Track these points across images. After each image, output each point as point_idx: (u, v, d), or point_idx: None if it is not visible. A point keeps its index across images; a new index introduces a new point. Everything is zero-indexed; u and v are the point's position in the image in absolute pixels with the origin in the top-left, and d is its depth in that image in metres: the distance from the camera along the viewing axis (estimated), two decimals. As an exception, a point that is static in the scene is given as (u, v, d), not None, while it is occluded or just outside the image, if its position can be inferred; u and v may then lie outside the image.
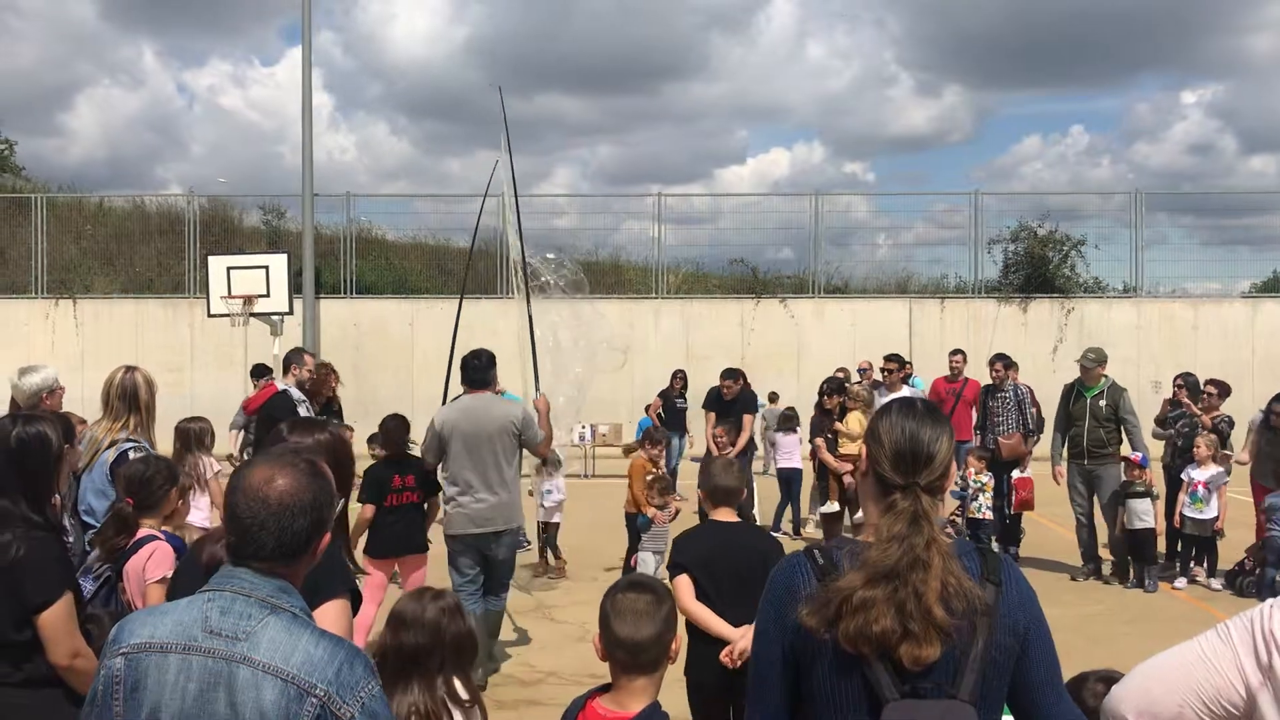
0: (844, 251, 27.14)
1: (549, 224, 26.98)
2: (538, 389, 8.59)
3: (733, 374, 13.33)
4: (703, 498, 5.27)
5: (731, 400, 13.14)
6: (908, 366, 14.21)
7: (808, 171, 71.77)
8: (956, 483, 11.94)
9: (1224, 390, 11.89)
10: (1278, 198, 26.89)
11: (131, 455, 5.39)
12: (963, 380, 14.13)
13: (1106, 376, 11.43)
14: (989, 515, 11.76)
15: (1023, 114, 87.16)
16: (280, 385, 9.12)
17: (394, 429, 8.01)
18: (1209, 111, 72.02)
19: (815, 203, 26.28)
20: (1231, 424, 11.85)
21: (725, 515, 5.07)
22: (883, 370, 13.41)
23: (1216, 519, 10.92)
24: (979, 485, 11.77)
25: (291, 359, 9.36)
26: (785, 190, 44.57)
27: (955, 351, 14.59)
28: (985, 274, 26.20)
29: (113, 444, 5.53)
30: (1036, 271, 25.78)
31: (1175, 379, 12.44)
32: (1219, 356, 23.35)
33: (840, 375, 15.07)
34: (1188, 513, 10.98)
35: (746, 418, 13.10)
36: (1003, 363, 12.61)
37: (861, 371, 17.39)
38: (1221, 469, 10.99)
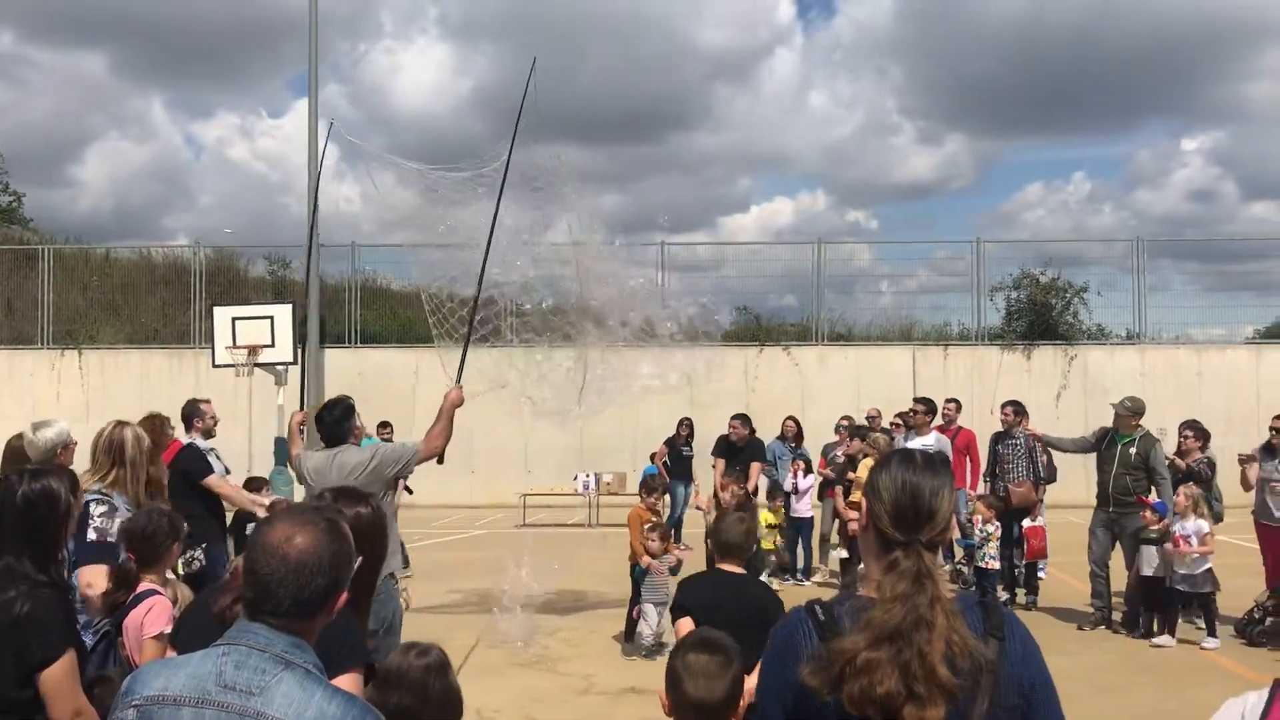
0: (847, 299, 27.35)
1: (554, 271, 26.98)
2: (458, 380, 7.90)
3: (742, 418, 13.28)
4: (712, 549, 5.37)
5: (741, 446, 13.10)
6: (950, 406, 14.20)
7: (811, 219, 72.29)
8: (964, 529, 11.91)
9: (1201, 434, 11.81)
10: (1279, 244, 26.97)
11: (93, 509, 5.36)
12: (955, 429, 14.02)
13: (1141, 426, 11.39)
14: (995, 564, 11.68)
15: (1024, 161, 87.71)
16: (185, 439, 9.02)
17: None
18: (1210, 158, 72.52)
19: (818, 250, 26.45)
20: (1213, 467, 11.65)
21: (731, 566, 5.14)
22: (910, 413, 13.44)
23: (1207, 573, 10.37)
24: (985, 534, 11.70)
25: (191, 411, 9.22)
26: (789, 238, 44.72)
27: (948, 400, 14.51)
28: (988, 321, 26.38)
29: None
30: (1039, 318, 25.91)
31: (1181, 427, 12.37)
32: (1224, 403, 23.39)
33: (845, 422, 15.09)
34: (1177, 568, 10.50)
35: (755, 466, 13.06)
36: (1013, 408, 12.61)
37: (870, 419, 17.38)
38: (1203, 521, 10.48)
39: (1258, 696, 2.13)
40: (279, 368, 16.69)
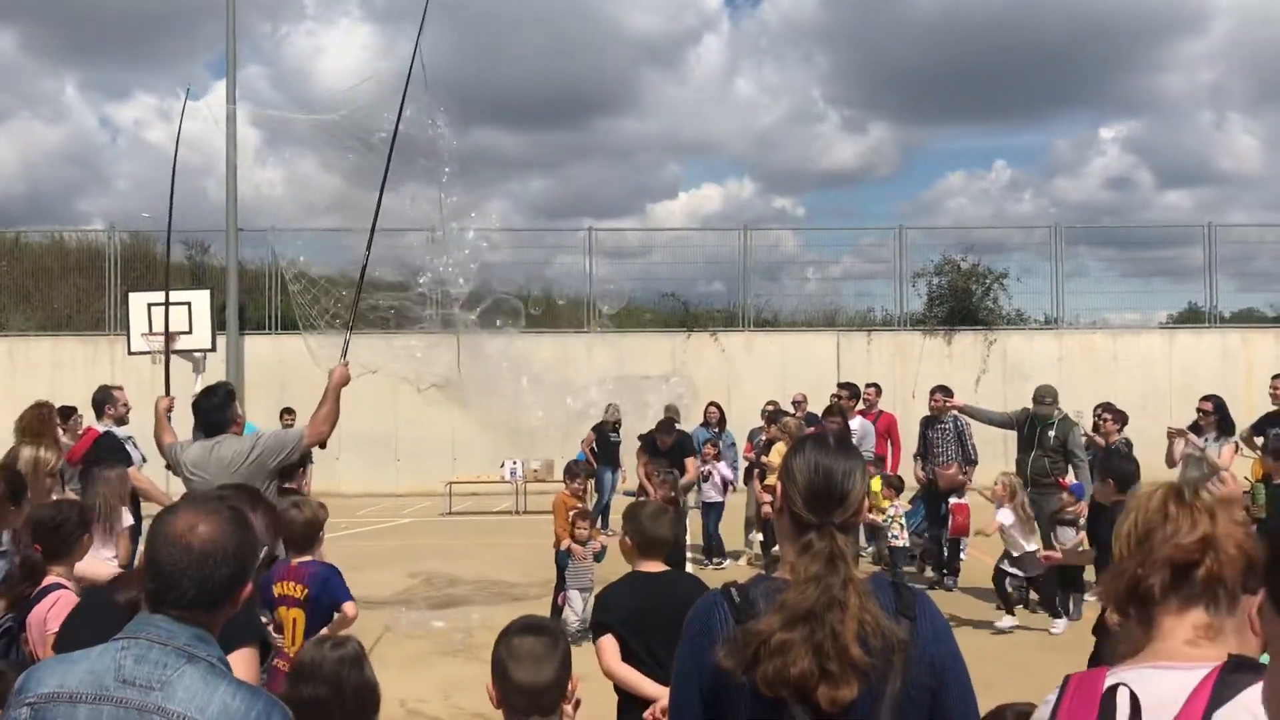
0: (773, 285, 27.39)
1: (482, 258, 26.81)
2: (344, 356, 7.25)
3: (668, 428, 12.88)
4: (628, 548, 4.78)
5: (667, 450, 12.97)
6: (870, 391, 14.33)
7: (739, 206, 72.42)
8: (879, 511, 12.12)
9: (1119, 417, 12.12)
10: (1193, 231, 27.49)
11: None
12: (876, 413, 14.15)
13: (1060, 409, 11.81)
14: (900, 541, 12.05)
15: (947, 149, 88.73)
16: (100, 427, 8.77)
17: None
18: (1126, 147, 74.02)
19: (745, 237, 26.51)
20: (1130, 447, 11.74)
21: (652, 566, 4.71)
22: (833, 398, 13.57)
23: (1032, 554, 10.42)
24: (888, 515, 12.07)
25: (103, 398, 8.96)
26: (716, 225, 44.89)
27: (869, 385, 14.67)
28: (910, 307, 26.56)
29: None
30: (960, 304, 26.18)
31: (1096, 409, 12.68)
32: (1139, 387, 23.88)
33: (770, 407, 15.18)
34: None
35: (689, 461, 12.87)
36: (942, 393, 12.83)
37: (795, 404, 17.51)
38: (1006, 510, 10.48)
39: (1054, 693, 2.12)
40: (196, 354, 16.31)
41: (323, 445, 6.81)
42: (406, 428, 24.16)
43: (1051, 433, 11.51)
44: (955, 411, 12.70)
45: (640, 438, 13.02)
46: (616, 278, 25.85)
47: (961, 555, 13.01)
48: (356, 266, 7.93)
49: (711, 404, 15.69)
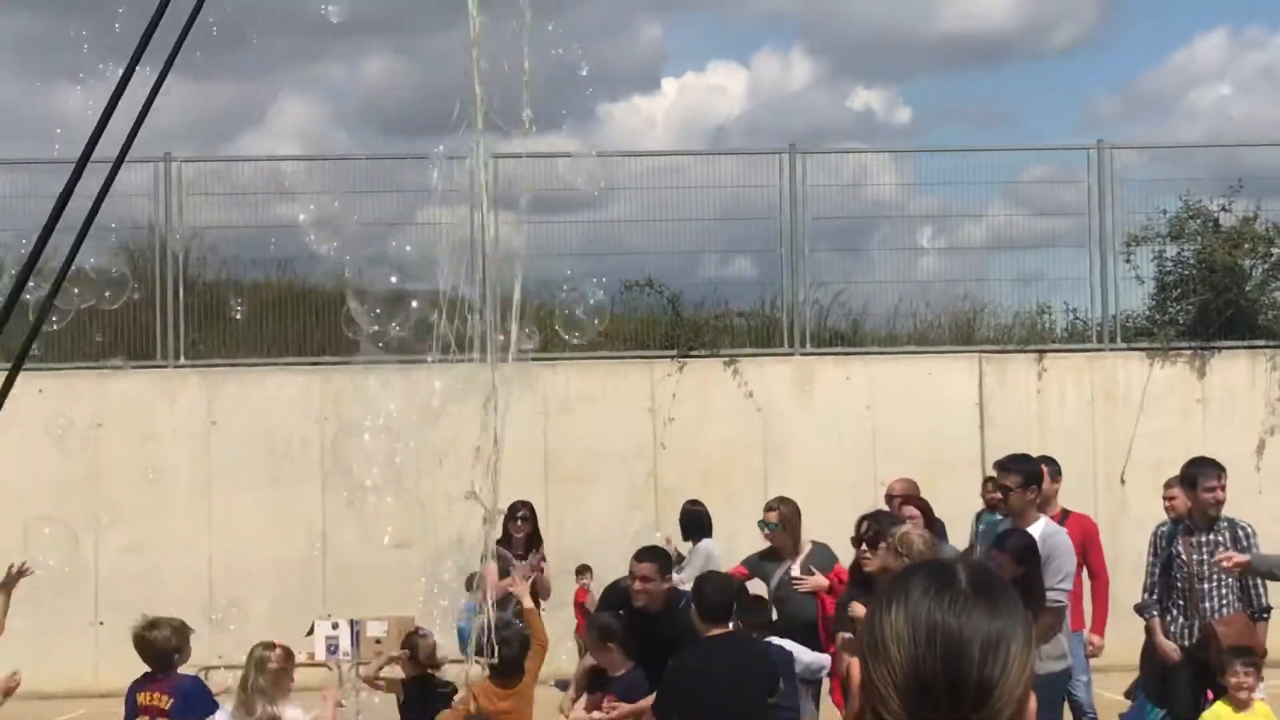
0: (849, 264, 16.14)
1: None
2: None
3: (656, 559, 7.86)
4: None
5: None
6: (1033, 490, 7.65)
7: (780, 106, 40.37)
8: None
9: None
10: None
11: None
12: (1058, 512, 8.58)
13: None
14: None
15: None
16: None
17: None
18: None
19: (793, 167, 15.55)
20: None
21: None
22: (990, 485, 9.20)
23: None
24: None
25: None
26: (737, 146, 28.50)
27: (1043, 459, 8.31)
28: (1124, 303, 15.72)
29: None
30: (1222, 297, 15.26)
31: None
32: None
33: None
34: None
35: None
36: (1217, 476, 7.77)
37: (894, 499, 10.30)
38: None
39: None
40: None
41: None
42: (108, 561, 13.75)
43: None
44: (1232, 565, 7.41)
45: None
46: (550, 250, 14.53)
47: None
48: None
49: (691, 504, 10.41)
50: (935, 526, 8.84)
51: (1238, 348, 14.60)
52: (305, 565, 13.47)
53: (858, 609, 7.09)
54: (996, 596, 1.52)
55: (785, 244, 15.06)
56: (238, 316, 14.24)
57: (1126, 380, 14.65)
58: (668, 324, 15.05)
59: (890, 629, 1.50)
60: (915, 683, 1.47)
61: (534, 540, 10.52)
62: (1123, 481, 14.34)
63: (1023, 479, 7.29)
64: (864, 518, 7.78)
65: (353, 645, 11.77)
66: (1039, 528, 7.09)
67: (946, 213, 16.18)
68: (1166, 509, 8.67)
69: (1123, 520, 13.22)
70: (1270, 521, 7.95)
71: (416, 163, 15.50)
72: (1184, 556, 7.56)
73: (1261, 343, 14.60)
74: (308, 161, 16.00)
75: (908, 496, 10.30)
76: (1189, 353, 14.59)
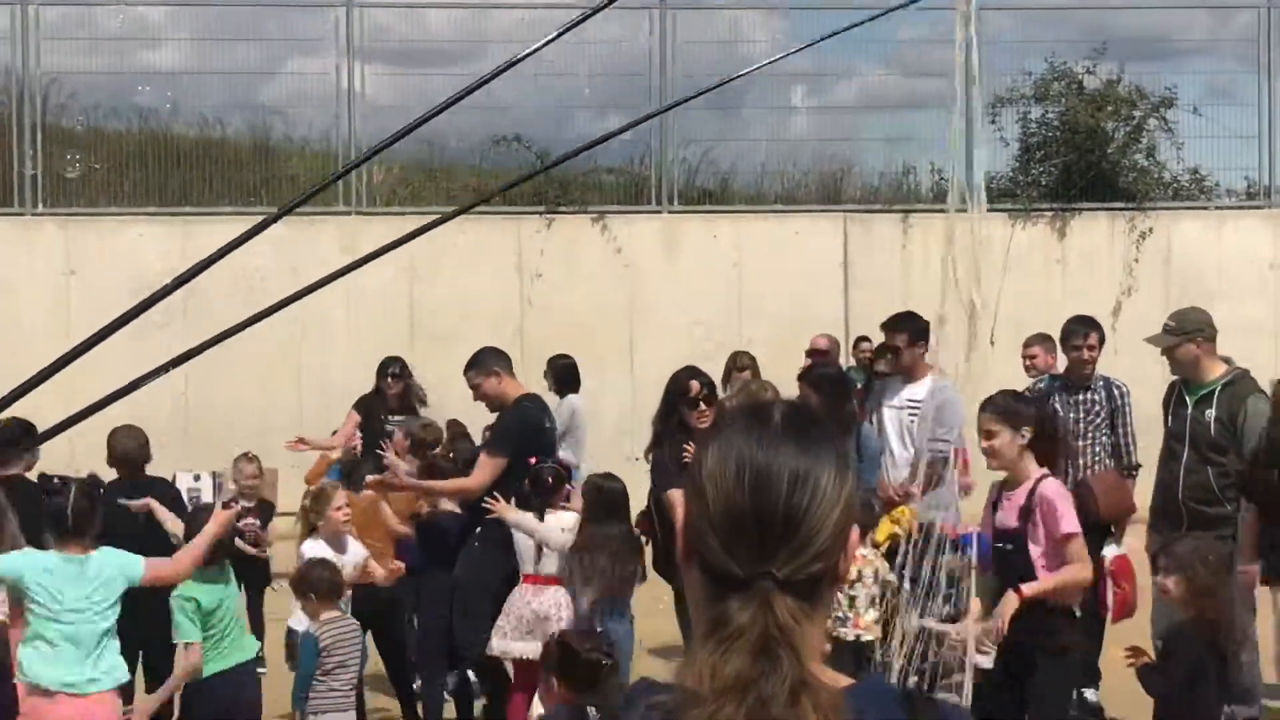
0: (720, 124, 15.68)
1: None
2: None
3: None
4: None
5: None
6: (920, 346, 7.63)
7: None
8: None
9: None
10: None
11: None
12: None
13: (1227, 362, 7.03)
14: (849, 633, 6.38)
15: None
16: None
17: None
18: None
19: (662, 22, 14.89)
20: None
21: None
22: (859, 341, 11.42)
23: None
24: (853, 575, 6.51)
25: None
26: None
27: (907, 320, 7.81)
28: (988, 166, 14.81)
29: None
30: (1085, 160, 15.11)
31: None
32: None
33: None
34: None
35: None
36: (1083, 335, 7.74)
37: (818, 353, 10.90)
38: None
39: None
40: None
41: None
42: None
43: (1211, 413, 6.73)
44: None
45: None
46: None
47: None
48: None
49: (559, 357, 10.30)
50: (846, 383, 8.68)
51: (1098, 209, 14.54)
52: (170, 417, 13.12)
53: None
54: (808, 431, 1.53)
55: (655, 101, 14.50)
56: (96, 166, 13.72)
57: (989, 241, 14.68)
58: (536, 186, 14.35)
59: (707, 468, 1.52)
60: (728, 518, 1.48)
61: (408, 396, 10.01)
62: (992, 343, 14.55)
63: (910, 335, 7.24)
64: (696, 379, 7.48)
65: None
66: (928, 383, 7.01)
67: (820, 71, 15.93)
68: (1026, 367, 8.73)
69: (988, 380, 13.39)
70: (1126, 381, 8.08)
71: (283, 10, 15.00)
72: (1060, 415, 7.63)
73: (1120, 204, 14.55)
74: (171, 8, 15.28)
75: (826, 351, 10.71)
76: (1050, 214, 14.51)
